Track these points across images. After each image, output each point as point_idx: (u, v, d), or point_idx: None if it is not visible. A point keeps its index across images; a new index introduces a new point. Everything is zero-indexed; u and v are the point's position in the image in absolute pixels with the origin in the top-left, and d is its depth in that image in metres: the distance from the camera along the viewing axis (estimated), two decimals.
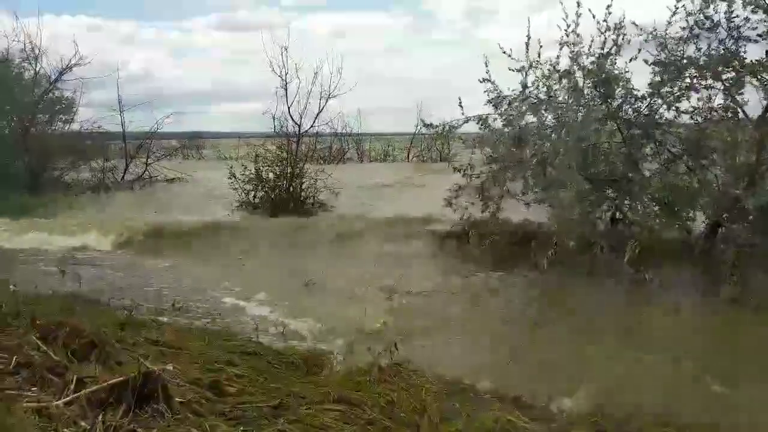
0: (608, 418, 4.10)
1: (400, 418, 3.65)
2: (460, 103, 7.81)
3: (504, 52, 7.41)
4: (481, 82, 7.67)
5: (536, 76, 7.51)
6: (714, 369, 4.76)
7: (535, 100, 7.52)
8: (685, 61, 6.95)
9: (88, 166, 17.19)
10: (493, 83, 7.67)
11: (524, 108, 7.52)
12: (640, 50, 7.03)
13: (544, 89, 7.50)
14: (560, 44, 7.33)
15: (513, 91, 7.64)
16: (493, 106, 7.70)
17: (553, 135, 7.41)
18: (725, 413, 4.11)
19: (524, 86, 7.58)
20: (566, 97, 7.31)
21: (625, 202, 7.31)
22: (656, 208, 6.76)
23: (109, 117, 17.74)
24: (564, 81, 7.34)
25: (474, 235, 8.19)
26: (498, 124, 7.79)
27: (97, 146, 17.47)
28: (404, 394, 4.12)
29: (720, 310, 6.14)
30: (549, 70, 7.42)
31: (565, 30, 7.29)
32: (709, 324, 5.78)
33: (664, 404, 4.36)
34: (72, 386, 2.77)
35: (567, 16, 7.21)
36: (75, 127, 17.43)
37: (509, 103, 7.62)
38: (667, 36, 6.96)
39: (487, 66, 7.63)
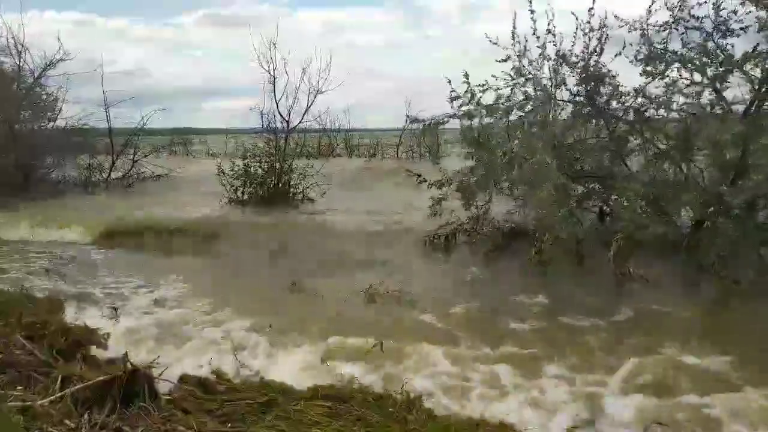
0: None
1: (389, 414, 3.66)
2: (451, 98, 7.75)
3: (491, 42, 7.36)
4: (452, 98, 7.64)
5: (521, 67, 7.46)
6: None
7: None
8: (669, 55, 6.96)
9: (74, 163, 17.03)
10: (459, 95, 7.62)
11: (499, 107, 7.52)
12: (624, 46, 7.04)
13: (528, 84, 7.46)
14: (540, 46, 7.32)
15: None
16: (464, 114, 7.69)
17: (519, 133, 7.38)
18: None
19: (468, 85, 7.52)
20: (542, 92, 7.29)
21: (612, 197, 7.34)
22: (642, 203, 6.78)
23: (96, 113, 17.56)
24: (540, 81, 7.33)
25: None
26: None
27: (84, 143, 17.29)
28: (393, 391, 4.14)
29: (705, 303, 6.19)
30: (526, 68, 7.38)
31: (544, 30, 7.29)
32: (694, 318, 5.82)
33: None
34: (57, 385, 2.75)
35: (553, 16, 7.21)
36: (61, 123, 17.26)
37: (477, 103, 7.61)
38: (648, 28, 6.96)
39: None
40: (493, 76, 7.47)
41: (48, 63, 16.25)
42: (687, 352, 4.78)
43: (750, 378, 4.29)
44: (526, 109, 7.48)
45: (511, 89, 7.45)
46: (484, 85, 7.48)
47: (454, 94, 7.58)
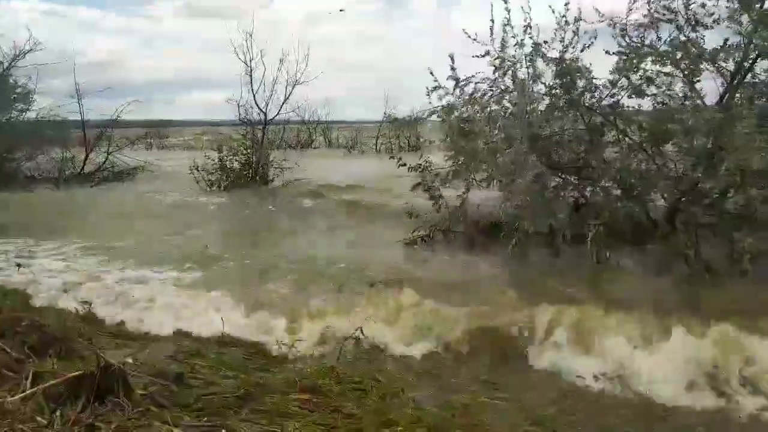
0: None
1: (369, 405, 3.67)
2: (428, 92, 7.79)
3: (469, 37, 7.41)
4: (430, 91, 7.69)
5: (495, 63, 7.52)
6: None
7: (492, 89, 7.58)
8: (645, 49, 7.08)
9: (46, 156, 16.69)
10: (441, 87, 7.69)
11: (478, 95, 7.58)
12: (596, 37, 7.13)
13: (507, 76, 7.53)
14: (520, 37, 7.39)
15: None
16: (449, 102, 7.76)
17: (500, 123, 7.45)
18: None
19: (457, 80, 7.58)
20: (521, 86, 7.36)
21: (588, 188, 7.44)
22: (618, 192, 6.90)
23: (67, 105, 17.23)
24: (519, 69, 7.40)
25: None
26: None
27: (57, 135, 16.94)
28: (373, 382, 4.16)
29: (678, 289, 6.30)
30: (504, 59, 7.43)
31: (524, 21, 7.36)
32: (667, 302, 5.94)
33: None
34: (28, 382, 2.70)
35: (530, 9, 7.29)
36: (32, 115, 16.90)
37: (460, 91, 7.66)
38: (627, 23, 7.07)
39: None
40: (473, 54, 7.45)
41: (17, 53, 15.89)
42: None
43: None
44: (504, 102, 7.58)
45: (493, 81, 7.53)
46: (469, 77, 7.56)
47: (435, 85, 7.61)
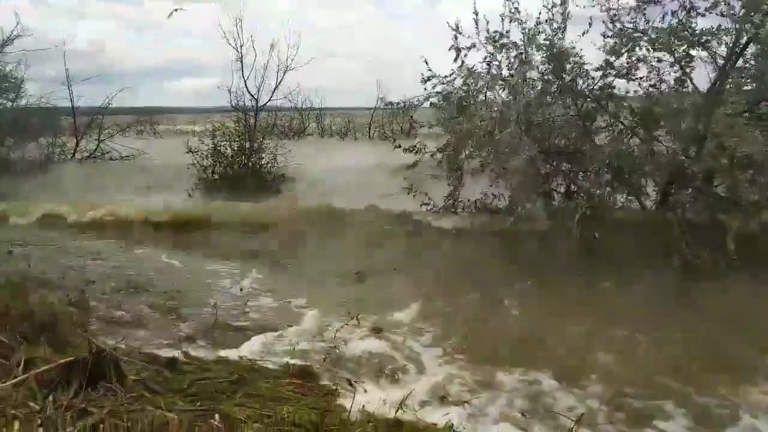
0: None
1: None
2: (423, 80, 7.81)
3: (452, 29, 7.42)
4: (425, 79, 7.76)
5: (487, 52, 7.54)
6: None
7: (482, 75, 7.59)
8: (637, 33, 7.05)
9: (36, 143, 16.51)
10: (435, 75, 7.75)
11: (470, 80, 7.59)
12: (590, 24, 7.11)
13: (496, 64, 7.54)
14: (507, 19, 7.38)
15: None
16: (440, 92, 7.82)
17: (496, 108, 7.47)
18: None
19: (458, 50, 7.56)
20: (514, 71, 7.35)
21: (579, 174, 7.44)
22: (608, 177, 6.89)
23: (57, 91, 17.03)
24: (510, 53, 7.39)
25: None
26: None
27: (48, 122, 16.75)
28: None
29: (670, 275, 6.32)
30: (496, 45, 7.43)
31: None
32: (658, 290, 5.97)
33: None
34: (20, 368, 2.71)
35: None
36: (22, 102, 16.67)
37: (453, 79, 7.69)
38: (619, 8, 7.05)
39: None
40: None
41: (5, 39, 15.65)
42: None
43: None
44: (497, 89, 7.58)
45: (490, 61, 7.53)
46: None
47: (428, 74, 7.68)
